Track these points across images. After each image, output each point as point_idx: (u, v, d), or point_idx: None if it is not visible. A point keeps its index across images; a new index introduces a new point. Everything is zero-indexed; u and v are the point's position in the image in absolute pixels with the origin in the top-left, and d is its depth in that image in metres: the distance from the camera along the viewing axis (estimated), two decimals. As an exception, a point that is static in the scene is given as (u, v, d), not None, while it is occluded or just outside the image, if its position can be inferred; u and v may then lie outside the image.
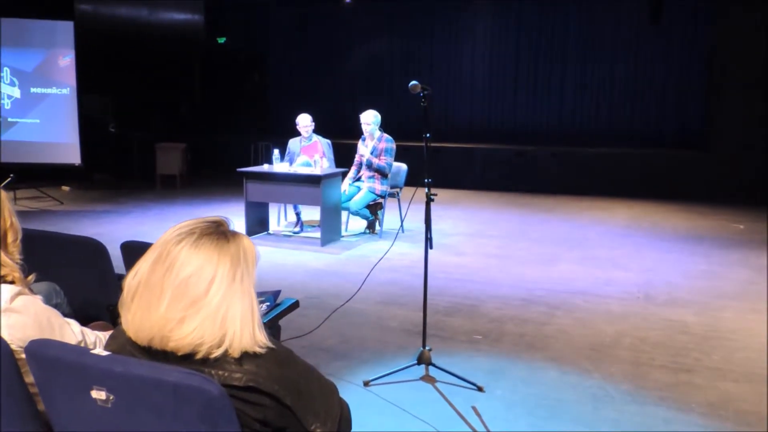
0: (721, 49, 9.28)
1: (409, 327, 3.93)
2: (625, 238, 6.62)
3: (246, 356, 1.17)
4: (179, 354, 1.14)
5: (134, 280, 1.19)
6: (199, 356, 1.15)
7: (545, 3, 11.10)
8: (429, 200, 3.09)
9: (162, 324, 1.14)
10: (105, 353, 1.15)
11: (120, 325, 1.22)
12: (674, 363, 3.40)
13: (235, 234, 1.26)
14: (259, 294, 2.38)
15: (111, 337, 1.29)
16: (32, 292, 1.57)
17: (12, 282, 1.47)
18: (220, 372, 1.14)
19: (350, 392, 3.04)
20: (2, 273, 1.46)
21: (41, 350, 1.20)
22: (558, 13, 11.08)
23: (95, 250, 2.34)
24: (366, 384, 3.09)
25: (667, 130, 10.35)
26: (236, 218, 6.80)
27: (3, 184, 8.13)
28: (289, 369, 1.23)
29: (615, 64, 10.73)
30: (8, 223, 1.59)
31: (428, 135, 3.05)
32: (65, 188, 9.54)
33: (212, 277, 1.17)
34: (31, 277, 1.58)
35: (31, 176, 8.75)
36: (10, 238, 1.58)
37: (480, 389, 3.04)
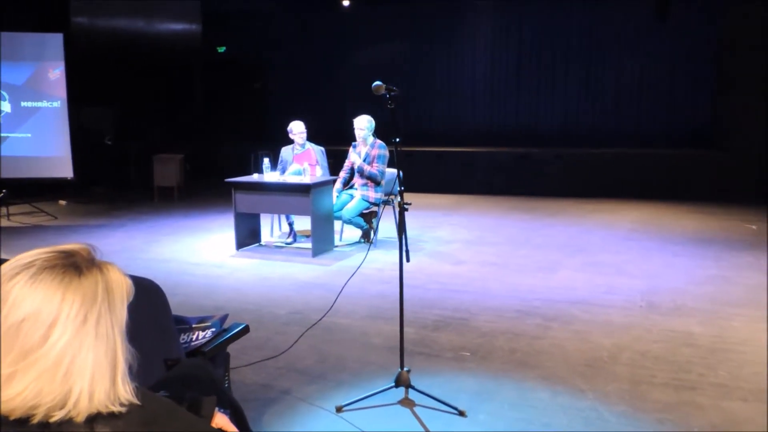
0: (730, 46, 8.97)
1: (394, 344, 3.67)
2: (630, 242, 6.34)
3: (99, 418, 0.95)
4: (11, 419, 0.92)
5: None
6: (36, 419, 0.93)
7: (547, 1, 10.85)
8: (402, 209, 2.87)
9: None
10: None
11: None
12: (676, 380, 3.13)
13: (94, 266, 1.03)
14: (205, 319, 2.17)
15: None
16: None
17: None
18: None
19: (320, 419, 2.82)
20: None
21: None
22: (561, 12, 10.82)
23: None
24: (338, 410, 2.86)
25: (675, 129, 10.03)
26: (230, 230, 6.64)
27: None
28: (160, 429, 1.00)
29: (620, 62, 10.46)
30: None
31: (398, 139, 2.83)
32: (62, 202, 9.44)
33: (53, 321, 0.94)
34: None
35: (26, 191, 8.66)
36: None
37: (462, 414, 2.80)
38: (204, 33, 10.96)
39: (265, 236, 6.69)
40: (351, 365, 3.43)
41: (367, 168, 6.10)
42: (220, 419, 1.47)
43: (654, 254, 5.82)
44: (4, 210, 8.07)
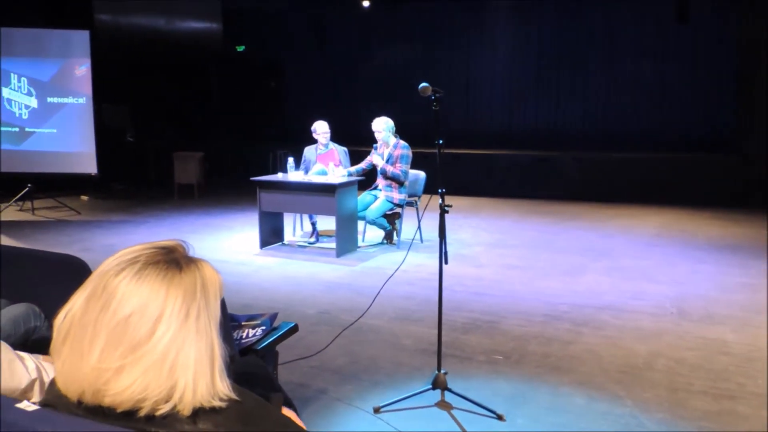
0: (752, 48, 8.89)
1: (425, 346, 3.69)
2: (654, 248, 6.29)
3: (202, 413, 0.95)
4: (119, 411, 0.93)
5: (65, 319, 0.97)
6: (143, 413, 0.93)
7: (566, 3, 10.81)
8: (443, 211, 2.86)
9: (95, 375, 0.92)
10: (32, 408, 0.95)
11: None
12: (715, 388, 3.11)
13: (191, 261, 1.04)
14: (255, 317, 2.18)
15: (50, 384, 1.09)
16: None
17: None
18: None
19: (359, 419, 2.82)
20: None
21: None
22: (580, 15, 10.78)
23: (77, 268, 2.16)
24: (376, 410, 2.86)
25: (696, 133, 9.95)
26: (252, 228, 6.67)
27: (20, 195, 8.12)
28: (256, 428, 1.01)
29: (640, 65, 10.39)
30: None
31: (440, 141, 2.82)
32: (84, 198, 9.52)
33: (158, 316, 0.95)
34: None
35: (49, 186, 8.74)
36: None
37: (500, 418, 2.79)
38: (224, 32, 11.03)
39: (288, 235, 6.70)
40: (384, 366, 3.43)
41: (390, 169, 6.09)
42: (289, 414, 1.48)
43: (678, 260, 5.78)
44: (28, 204, 8.15)
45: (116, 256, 1.01)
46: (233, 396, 0.99)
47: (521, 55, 11.35)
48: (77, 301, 0.98)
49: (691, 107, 10.06)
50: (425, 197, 6.47)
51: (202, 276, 1.03)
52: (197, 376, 0.96)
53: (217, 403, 0.96)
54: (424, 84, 2.81)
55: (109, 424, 0.92)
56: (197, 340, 0.97)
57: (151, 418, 0.93)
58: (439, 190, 2.87)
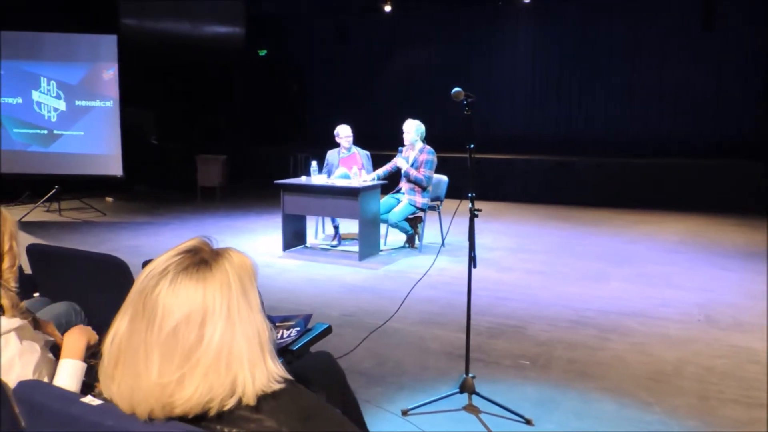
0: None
1: (450, 350, 3.70)
2: (678, 255, 6.23)
3: (263, 400, 0.98)
4: (190, 417, 0.96)
5: (113, 344, 0.99)
6: (213, 412, 0.96)
7: (589, 8, 10.75)
8: (473, 215, 2.87)
9: (159, 390, 0.95)
10: (96, 402, 0.98)
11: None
12: (747, 397, 3.07)
13: (218, 255, 1.05)
14: (289, 318, 2.21)
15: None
16: (32, 317, 1.44)
17: (0, 308, 1.34)
18: (235, 430, 0.95)
19: (387, 421, 2.83)
20: None
21: (29, 394, 1.04)
22: (602, 19, 10.73)
23: (117, 268, 2.21)
24: (404, 413, 2.87)
25: (721, 139, 9.84)
26: (275, 231, 6.73)
27: (48, 196, 8.27)
28: (312, 415, 1.03)
29: (663, 70, 10.30)
30: (6, 248, 1.46)
31: (472, 146, 2.83)
32: (109, 199, 9.67)
33: (203, 319, 0.97)
34: (23, 304, 1.44)
35: (75, 187, 8.89)
36: (5, 264, 1.44)
37: (529, 422, 2.79)
38: (246, 36, 11.13)
39: (310, 238, 6.75)
40: (410, 369, 3.44)
41: (413, 173, 6.11)
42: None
43: (703, 267, 5.72)
44: (55, 205, 8.29)
45: (146, 272, 1.03)
46: (287, 375, 1.02)
47: (542, 58, 11.32)
48: (121, 324, 1.00)
49: (716, 113, 9.96)
50: (447, 201, 6.48)
51: (233, 265, 1.04)
52: (252, 364, 0.98)
53: (275, 386, 0.99)
54: (456, 89, 2.83)
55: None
56: (243, 329, 1.00)
57: (220, 416, 0.96)
58: (469, 194, 2.88)
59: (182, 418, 0.96)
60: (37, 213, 8.10)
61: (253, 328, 1.02)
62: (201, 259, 1.04)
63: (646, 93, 10.54)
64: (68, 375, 1.39)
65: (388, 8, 11.52)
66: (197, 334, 0.97)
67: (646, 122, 10.56)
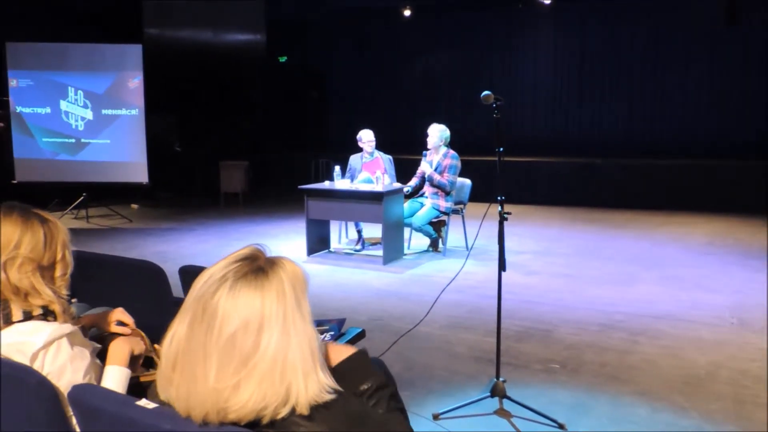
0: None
1: (479, 354, 3.68)
2: (707, 257, 6.13)
3: (316, 410, 0.99)
4: (242, 423, 0.97)
5: (171, 346, 1.01)
6: (266, 420, 0.97)
7: (609, 8, 10.66)
8: (502, 219, 2.86)
9: (215, 395, 0.96)
10: (152, 406, 1.00)
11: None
12: (784, 401, 3.01)
13: (273, 263, 1.07)
14: (323, 322, 2.22)
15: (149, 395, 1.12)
16: (82, 324, 1.47)
17: (53, 313, 1.37)
18: None
19: (419, 425, 2.82)
20: (42, 304, 1.36)
21: (84, 398, 1.06)
22: (625, 18, 10.62)
23: (153, 273, 2.24)
24: (436, 417, 2.87)
25: (749, 139, 9.67)
26: (298, 236, 6.76)
27: (76, 203, 8.42)
28: (362, 426, 1.04)
29: (688, 69, 10.17)
30: (59, 256, 1.49)
31: (501, 149, 2.83)
32: (134, 206, 9.81)
33: (260, 326, 0.98)
34: (73, 310, 1.48)
35: (102, 195, 9.04)
36: (58, 272, 1.48)
37: (562, 427, 2.77)
38: (267, 43, 11.23)
39: (334, 243, 6.77)
40: (439, 373, 3.44)
41: (436, 177, 6.10)
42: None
43: (734, 269, 5.62)
44: (83, 212, 8.44)
45: (204, 278, 1.04)
46: (337, 386, 1.03)
47: (564, 60, 11.25)
48: (179, 327, 1.01)
49: (740, 113, 9.79)
50: (471, 205, 6.46)
51: (287, 274, 1.06)
52: (305, 373, 0.99)
53: (327, 397, 1.00)
54: (486, 92, 2.83)
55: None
56: (297, 338, 1.01)
57: (272, 423, 0.97)
58: (498, 198, 2.87)
59: (235, 424, 0.97)
60: (66, 220, 8.25)
61: (306, 338, 1.03)
62: (258, 267, 1.05)
63: (669, 93, 10.41)
64: (114, 381, 1.42)
65: (407, 13, 11.55)
66: (254, 340, 0.98)
67: (670, 122, 10.43)
